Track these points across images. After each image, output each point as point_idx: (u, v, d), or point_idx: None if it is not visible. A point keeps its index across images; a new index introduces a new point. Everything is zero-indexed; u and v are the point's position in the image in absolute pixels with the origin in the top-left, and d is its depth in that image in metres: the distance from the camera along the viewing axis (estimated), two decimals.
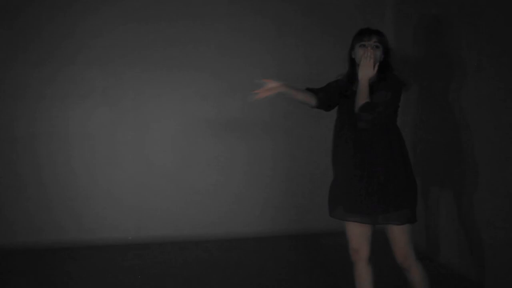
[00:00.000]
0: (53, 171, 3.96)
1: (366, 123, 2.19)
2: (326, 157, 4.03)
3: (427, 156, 3.65)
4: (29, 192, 3.93)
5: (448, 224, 3.38)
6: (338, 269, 3.32)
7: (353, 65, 2.34)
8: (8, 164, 3.90)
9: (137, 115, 4.06)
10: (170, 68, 4.06)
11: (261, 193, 4.27)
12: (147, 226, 4.11)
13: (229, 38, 4.13)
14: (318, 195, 4.06)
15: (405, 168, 2.26)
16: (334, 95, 2.34)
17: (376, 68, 2.24)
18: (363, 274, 2.34)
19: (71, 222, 3.99)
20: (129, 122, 4.05)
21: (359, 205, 2.23)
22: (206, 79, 4.12)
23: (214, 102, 4.15)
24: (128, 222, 4.07)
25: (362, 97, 2.19)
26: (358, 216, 2.25)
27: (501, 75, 2.86)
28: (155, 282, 3.24)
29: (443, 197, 3.43)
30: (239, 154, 4.23)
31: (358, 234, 2.30)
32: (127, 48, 3.99)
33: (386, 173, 2.22)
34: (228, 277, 3.34)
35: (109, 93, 4.01)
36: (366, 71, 2.23)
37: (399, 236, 2.27)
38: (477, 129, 3.06)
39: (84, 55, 3.94)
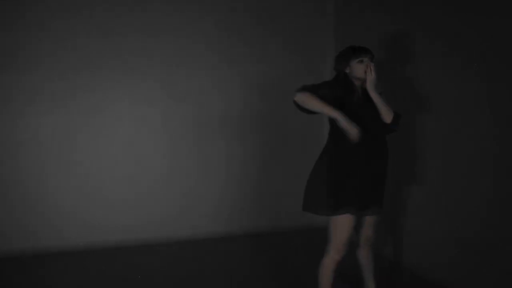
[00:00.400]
0: (17, 182, 3.89)
1: (391, 131, 2.59)
2: (292, 158, 4.54)
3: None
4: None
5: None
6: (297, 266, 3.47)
7: (346, 78, 2.60)
8: None
9: (88, 120, 4.02)
10: (121, 73, 4.07)
11: (216, 194, 4.41)
12: (95, 232, 4.08)
13: (181, 43, 4.24)
14: (286, 194, 4.49)
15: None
16: (329, 103, 2.47)
17: (374, 70, 2.55)
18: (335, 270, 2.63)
19: (17, 231, 3.90)
20: (79, 128, 4.01)
21: (368, 200, 2.56)
22: (154, 85, 4.17)
23: (166, 106, 4.22)
24: (72, 229, 4.03)
25: (386, 109, 2.54)
26: (364, 210, 2.58)
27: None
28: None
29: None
30: (195, 156, 4.32)
31: (350, 231, 2.56)
32: (77, 53, 3.96)
33: (384, 174, 2.64)
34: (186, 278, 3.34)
35: (58, 99, 3.94)
36: (373, 84, 2.54)
37: (373, 223, 2.72)
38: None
39: (31, 60, 3.86)
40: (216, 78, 4.36)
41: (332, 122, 2.57)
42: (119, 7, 4.05)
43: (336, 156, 2.55)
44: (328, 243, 2.61)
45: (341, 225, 2.52)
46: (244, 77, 4.44)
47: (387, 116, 2.55)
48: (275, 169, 4.59)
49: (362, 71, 2.55)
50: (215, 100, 4.36)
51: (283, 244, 4.18)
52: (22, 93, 3.86)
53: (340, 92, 2.54)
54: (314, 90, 2.47)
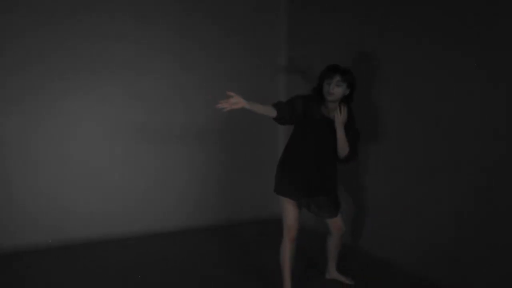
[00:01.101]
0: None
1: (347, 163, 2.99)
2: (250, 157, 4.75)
3: None
4: None
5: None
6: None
7: (321, 93, 2.86)
8: None
9: (56, 119, 3.99)
10: (91, 71, 4.06)
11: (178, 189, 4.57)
12: (65, 228, 4.09)
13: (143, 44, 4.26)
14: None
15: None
16: (298, 115, 2.83)
17: (344, 112, 2.82)
18: (291, 250, 3.00)
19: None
20: (47, 127, 3.97)
21: (311, 190, 2.95)
22: (124, 82, 4.22)
23: (126, 107, 4.26)
24: (46, 225, 4.02)
25: (345, 147, 2.88)
26: (305, 198, 2.98)
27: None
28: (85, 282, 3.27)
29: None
30: (162, 154, 4.44)
31: (293, 214, 2.97)
32: (44, 51, 3.89)
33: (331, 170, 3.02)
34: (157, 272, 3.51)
35: (25, 98, 3.87)
36: (340, 122, 2.83)
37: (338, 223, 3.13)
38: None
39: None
40: (174, 81, 4.46)
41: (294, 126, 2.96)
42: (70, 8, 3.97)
43: (287, 154, 2.98)
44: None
45: (285, 208, 2.97)
46: (202, 78, 4.56)
47: (342, 152, 2.89)
48: (234, 167, 4.83)
49: (326, 92, 2.79)
50: (178, 102, 4.48)
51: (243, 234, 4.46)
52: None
53: (305, 106, 2.83)
54: (279, 104, 2.80)
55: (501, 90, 2.84)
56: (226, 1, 4.64)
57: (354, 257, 3.85)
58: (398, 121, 3.60)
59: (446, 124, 3.22)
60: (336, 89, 2.78)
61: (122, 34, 4.15)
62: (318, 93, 2.88)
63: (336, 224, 3.13)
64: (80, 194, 4.13)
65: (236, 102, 2.53)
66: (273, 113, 2.73)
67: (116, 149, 4.25)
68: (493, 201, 2.94)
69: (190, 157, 4.57)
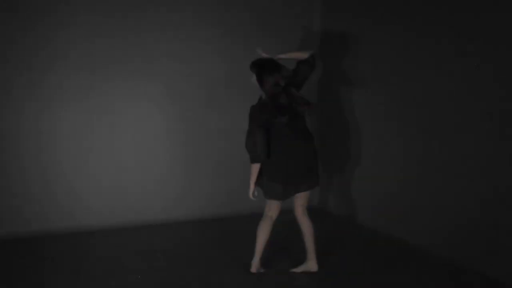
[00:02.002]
0: (40, 167, 4.29)
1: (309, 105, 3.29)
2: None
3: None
4: (15, 188, 4.22)
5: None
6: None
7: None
8: None
9: (107, 117, 4.46)
10: (133, 77, 4.49)
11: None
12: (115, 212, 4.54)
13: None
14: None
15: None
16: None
17: None
18: (269, 228, 3.40)
19: (51, 213, 4.34)
20: (101, 124, 4.45)
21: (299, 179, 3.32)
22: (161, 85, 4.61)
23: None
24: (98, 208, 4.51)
25: (299, 54, 3.53)
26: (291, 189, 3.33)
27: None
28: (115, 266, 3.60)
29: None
30: (202, 148, 4.81)
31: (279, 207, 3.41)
32: (102, 57, 4.37)
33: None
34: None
35: (88, 98, 4.37)
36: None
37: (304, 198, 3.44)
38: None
39: (61, 63, 4.25)
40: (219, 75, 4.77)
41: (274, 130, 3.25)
42: (122, 8, 4.40)
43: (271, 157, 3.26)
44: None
45: (272, 203, 3.37)
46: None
47: (302, 55, 3.42)
48: None
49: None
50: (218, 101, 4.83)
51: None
52: (61, 93, 4.27)
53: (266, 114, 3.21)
54: (253, 131, 3.19)
55: None
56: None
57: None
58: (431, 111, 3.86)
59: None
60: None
61: (166, 38, 4.59)
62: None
63: (301, 199, 3.42)
64: (126, 183, 4.57)
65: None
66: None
67: (158, 143, 4.65)
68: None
69: (231, 153, 4.84)
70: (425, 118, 3.82)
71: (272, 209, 3.38)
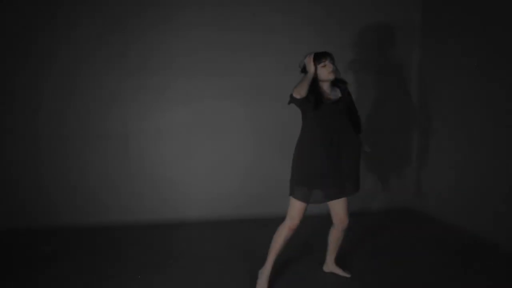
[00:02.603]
0: (142, 163, 4.68)
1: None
2: None
3: None
4: (119, 181, 4.65)
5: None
6: None
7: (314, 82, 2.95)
8: (99, 158, 4.60)
9: (211, 117, 4.73)
10: (237, 77, 4.73)
11: None
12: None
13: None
14: None
15: None
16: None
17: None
18: (286, 238, 3.03)
19: (156, 205, 4.74)
20: (203, 123, 4.73)
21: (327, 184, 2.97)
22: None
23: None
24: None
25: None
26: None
27: None
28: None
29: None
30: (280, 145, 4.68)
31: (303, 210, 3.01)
32: (209, 60, 4.66)
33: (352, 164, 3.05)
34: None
35: (190, 100, 4.69)
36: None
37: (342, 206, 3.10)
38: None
39: (168, 67, 4.61)
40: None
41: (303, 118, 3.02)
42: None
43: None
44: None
45: (296, 205, 2.98)
46: None
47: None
48: None
49: (327, 74, 2.92)
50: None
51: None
52: (164, 94, 4.64)
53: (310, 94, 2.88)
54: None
55: None
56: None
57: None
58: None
59: None
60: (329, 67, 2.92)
61: (248, 43, 4.75)
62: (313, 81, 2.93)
63: (338, 215, 3.11)
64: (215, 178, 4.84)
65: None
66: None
67: (244, 140, 4.84)
68: None
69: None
70: None
71: (296, 213, 3.04)
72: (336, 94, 3.01)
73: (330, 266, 3.37)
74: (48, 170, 4.53)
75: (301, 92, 2.78)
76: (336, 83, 3.04)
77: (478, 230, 4.12)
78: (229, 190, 4.81)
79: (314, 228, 4.05)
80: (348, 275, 3.30)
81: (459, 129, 4.43)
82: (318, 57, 2.91)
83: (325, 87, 2.98)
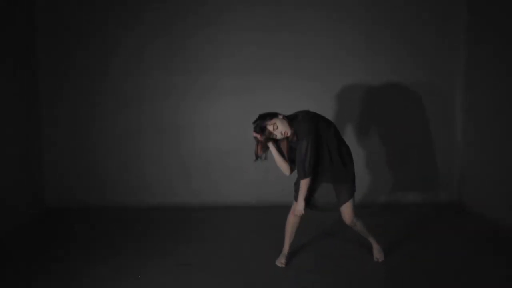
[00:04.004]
0: (193, 151, 5.19)
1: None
2: None
3: None
4: (174, 167, 5.20)
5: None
6: None
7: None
8: (154, 147, 5.18)
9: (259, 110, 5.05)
10: (283, 74, 5.09)
11: None
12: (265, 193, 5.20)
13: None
14: None
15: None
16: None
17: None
18: (298, 224, 3.49)
19: (206, 189, 5.23)
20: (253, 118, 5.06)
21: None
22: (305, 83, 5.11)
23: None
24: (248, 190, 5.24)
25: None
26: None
27: None
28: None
29: None
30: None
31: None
32: (253, 59, 5.06)
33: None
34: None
35: (238, 94, 5.11)
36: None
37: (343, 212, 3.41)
38: None
39: (217, 65, 5.07)
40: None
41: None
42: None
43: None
44: None
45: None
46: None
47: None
48: None
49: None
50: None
51: None
52: (214, 89, 5.10)
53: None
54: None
55: None
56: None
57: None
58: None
59: None
60: (278, 130, 3.19)
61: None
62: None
63: (343, 210, 3.41)
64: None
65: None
66: (287, 169, 3.38)
67: None
68: None
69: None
70: None
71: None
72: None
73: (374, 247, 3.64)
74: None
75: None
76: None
77: None
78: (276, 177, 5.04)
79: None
80: (379, 259, 3.58)
81: (503, 123, 4.49)
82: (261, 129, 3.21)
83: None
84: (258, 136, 3.22)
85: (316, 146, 3.20)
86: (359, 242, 3.84)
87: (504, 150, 4.46)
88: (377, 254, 3.60)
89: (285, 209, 3.60)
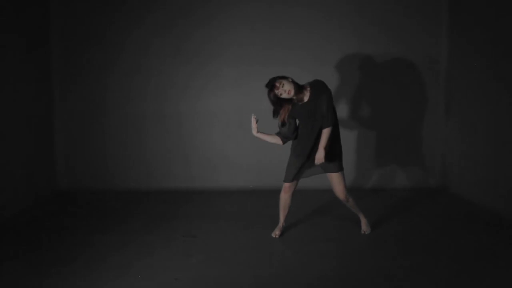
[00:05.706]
0: (194, 140, 5.51)
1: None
2: None
3: None
4: (175, 153, 5.52)
5: None
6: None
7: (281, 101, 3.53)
8: (158, 135, 5.50)
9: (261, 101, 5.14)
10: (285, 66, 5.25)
11: None
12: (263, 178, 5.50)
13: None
14: None
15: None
16: (290, 123, 3.62)
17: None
18: (289, 200, 3.81)
19: (206, 174, 5.54)
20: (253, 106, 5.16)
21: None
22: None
23: None
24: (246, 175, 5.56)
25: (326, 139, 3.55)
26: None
27: None
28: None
29: None
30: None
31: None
32: (253, 50, 5.39)
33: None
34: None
35: (240, 84, 5.43)
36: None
37: (334, 180, 3.71)
38: None
39: (220, 56, 5.39)
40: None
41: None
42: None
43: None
44: None
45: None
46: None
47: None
48: None
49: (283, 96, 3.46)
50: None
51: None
52: (215, 80, 5.43)
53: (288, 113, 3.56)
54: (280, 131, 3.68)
55: None
56: None
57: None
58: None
59: None
60: (283, 89, 3.44)
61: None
62: (280, 103, 3.52)
63: (335, 186, 3.72)
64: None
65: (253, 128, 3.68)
66: (279, 141, 3.72)
67: None
68: None
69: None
70: None
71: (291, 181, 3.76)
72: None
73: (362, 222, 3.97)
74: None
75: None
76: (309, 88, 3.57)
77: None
78: (273, 162, 5.35)
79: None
80: (365, 232, 3.91)
81: (485, 109, 4.71)
82: (269, 84, 3.49)
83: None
84: (271, 95, 3.47)
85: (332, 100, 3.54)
86: (349, 218, 4.20)
87: (485, 139, 4.72)
88: (365, 227, 3.93)
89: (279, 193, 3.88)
